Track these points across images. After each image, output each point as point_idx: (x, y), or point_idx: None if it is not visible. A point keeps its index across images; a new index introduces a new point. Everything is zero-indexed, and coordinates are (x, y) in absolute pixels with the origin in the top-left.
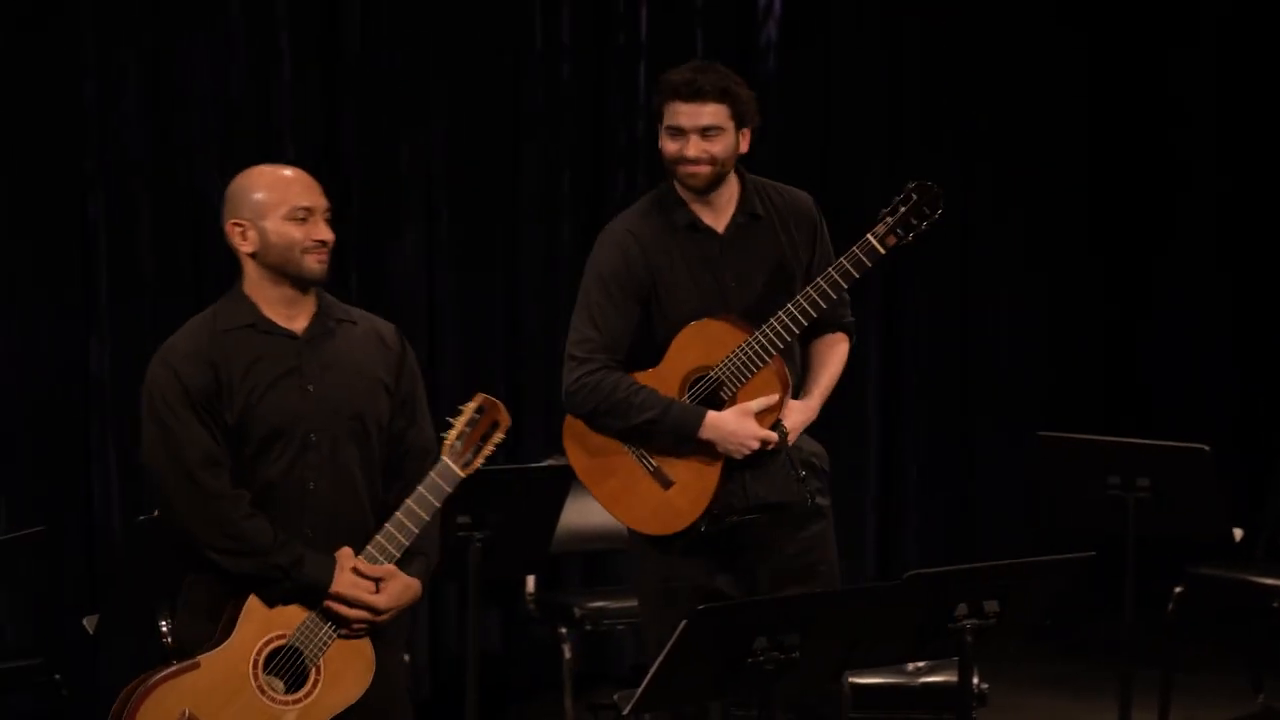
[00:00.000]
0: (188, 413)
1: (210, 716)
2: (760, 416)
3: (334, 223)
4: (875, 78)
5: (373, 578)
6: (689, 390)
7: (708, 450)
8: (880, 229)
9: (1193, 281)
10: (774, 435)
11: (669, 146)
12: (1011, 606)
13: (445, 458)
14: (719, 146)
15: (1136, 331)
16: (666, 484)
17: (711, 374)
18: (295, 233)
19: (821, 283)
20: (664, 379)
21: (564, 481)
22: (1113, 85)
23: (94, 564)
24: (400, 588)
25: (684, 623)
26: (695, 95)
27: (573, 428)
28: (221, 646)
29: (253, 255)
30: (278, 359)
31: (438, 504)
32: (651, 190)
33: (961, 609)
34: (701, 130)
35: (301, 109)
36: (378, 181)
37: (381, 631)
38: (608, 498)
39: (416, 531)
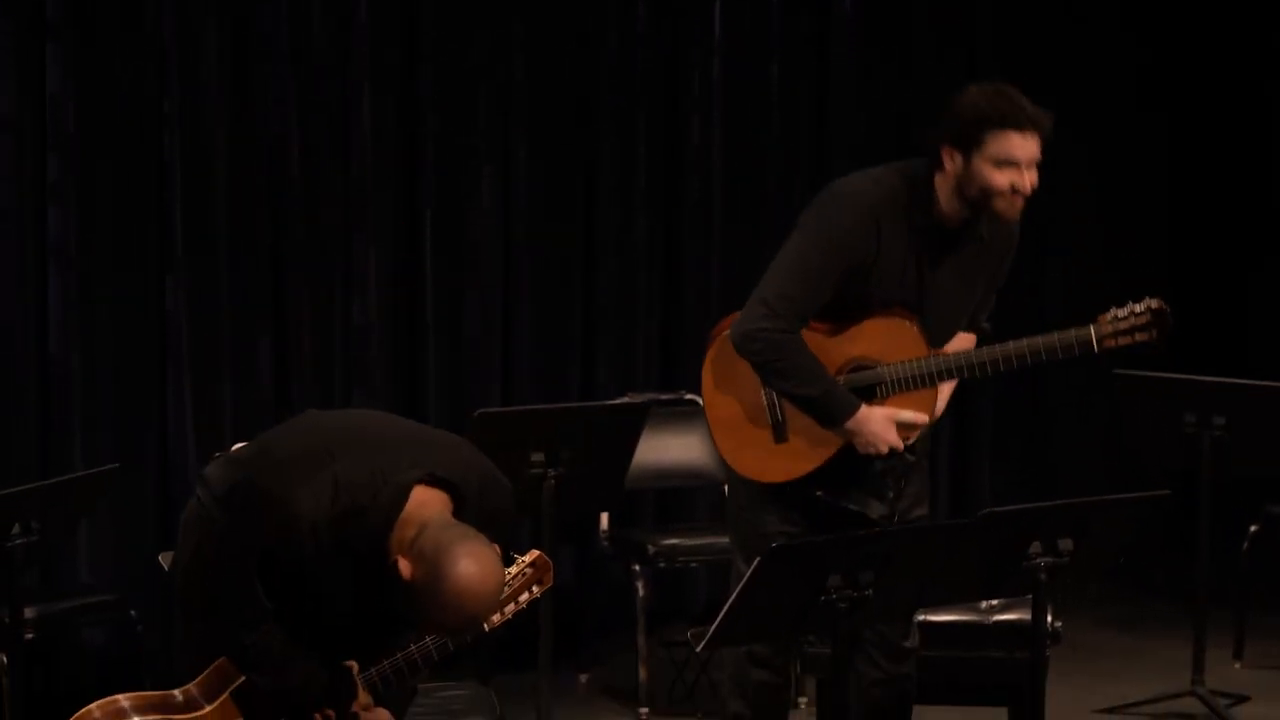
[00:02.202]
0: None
1: None
2: (901, 428)
3: (411, 178)
4: (954, 19)
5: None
6: (848, 373)
7: None
8: (1106, 329)
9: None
10: (900, 446)
11: (997, 178)
12: (1086, 545)
13: None
14: (1036, 178)
15: (1211, 270)
16: (782, 438)
17: (879, 370)
18: None
19: (1025, 347)
20: (830, 353)
21: (638, 419)
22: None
23: (168, 501)
24: None
25: (758, 560)
26: (1031, 126)
27: (721, 351)
28: (199, 713)
29: None
30: None
31: (452, 650)
32: (906, 164)
33: (1036, 547)
34: (1031, 162)
35: (379, 61)
36: (455, 133)
37: None
38: (719, 423)
39: (425, 674)
